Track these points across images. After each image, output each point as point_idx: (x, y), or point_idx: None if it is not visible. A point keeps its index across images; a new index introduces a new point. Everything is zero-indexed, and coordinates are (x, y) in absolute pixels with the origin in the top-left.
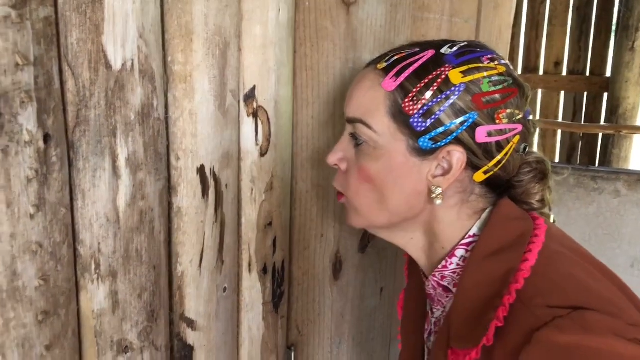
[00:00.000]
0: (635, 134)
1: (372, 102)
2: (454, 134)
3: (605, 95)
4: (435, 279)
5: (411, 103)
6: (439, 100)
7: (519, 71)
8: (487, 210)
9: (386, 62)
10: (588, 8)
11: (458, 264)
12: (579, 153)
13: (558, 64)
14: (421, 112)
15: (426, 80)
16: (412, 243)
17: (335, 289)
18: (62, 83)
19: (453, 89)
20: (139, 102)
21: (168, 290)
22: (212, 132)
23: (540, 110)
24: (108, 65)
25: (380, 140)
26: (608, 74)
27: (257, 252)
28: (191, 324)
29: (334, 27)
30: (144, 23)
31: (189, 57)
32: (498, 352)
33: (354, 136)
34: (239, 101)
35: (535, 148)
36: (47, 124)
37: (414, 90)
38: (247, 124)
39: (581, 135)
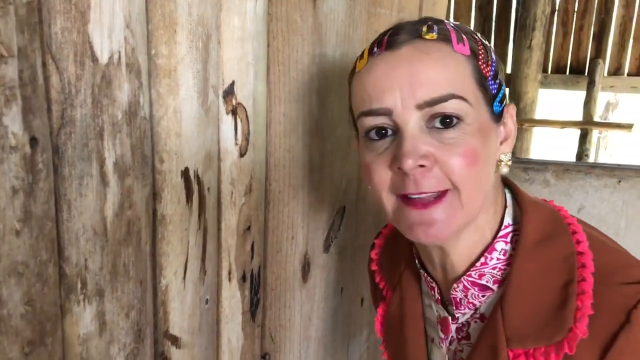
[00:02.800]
0: (534, 126)
1: (456, 71)
2: (505, 94)
3: (507, 90)
4: (471, 278)
5: (485, 65)
6: (495, 60)
7: None
8: (509, 197)
9: (433, 31)
10: (489, 8)
11: (499, 259)
12: None
13: None
14: (492, 73)
15: (480, 42)
16: (464, 243)
17: (304, 291)
18: (46, 78)
19: (492, 49)
20: (126, 99)
21: (152, 307)
22: (196, 132)
23: None
24: (94, 58)
25: (473, 113)
26: (509, 70)
27: (237, 259)
28: (175, 341)
29: (302, 21)
30: (130, 11)
31: (172, 49)
32: (584, 342)
33: (442, 120)
34: (218, 97)
35: None
36: (33, 126)
37: (480, 52)
38: (227, 122)
39: None
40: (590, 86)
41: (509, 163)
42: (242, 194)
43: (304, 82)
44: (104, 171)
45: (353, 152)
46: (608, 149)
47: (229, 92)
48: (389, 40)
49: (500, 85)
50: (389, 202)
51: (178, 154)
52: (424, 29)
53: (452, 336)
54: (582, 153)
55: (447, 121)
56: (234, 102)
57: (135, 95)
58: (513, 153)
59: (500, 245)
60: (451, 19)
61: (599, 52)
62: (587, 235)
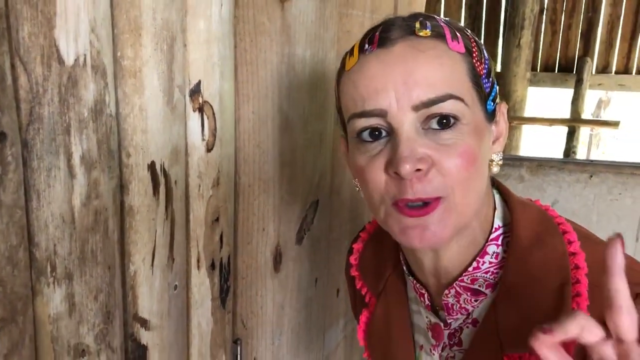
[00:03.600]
0: (523, 124)
1: (453, 70)
2: (497, 92)
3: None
4: (464, 283)
5: (479, 62)
6: (487, 57)
7: None
8: (497, 198)
9: (427, 27)
10: (478, 7)
11: (491, 262)
12: None
13: None
14: (485, 71)
15: (473, 39)
16: (456, 247)
17: (276, 281)
18: (14, 79)
19: (483, 46)
20: (92, 98)
21: (122, 291)
22: (162, 128)
23: None
24: (61, 61)
25: (469, 113)
26: (498, 68)
27: (205, 248)
28: (144, 323)
29: (270, 23)
30: (95, 17)
31: (138, 52)
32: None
33: (438, 120)
34: (185, 96)
35: None
36: (2, 122)
37: (474, 49)
38: (194, 119)
39: None
40: (578, 84)
41: (500, 162)
42: (210, 187)
43: (272, 81)
44: (71, 164)
45: (326, 147)
46: (600, 146)
47: (195, 91)
48: (381, 37)
49: (492, 83)
50: (381, 206)
51: (144, 148)
52: (417, 25)
53: (444, 342)
54: (569, 150)
55: (444, 122)
56: (200, 100)
57: (101, 95)
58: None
59: (491, 248)
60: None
61: (587, 50)
62: (578, 234)
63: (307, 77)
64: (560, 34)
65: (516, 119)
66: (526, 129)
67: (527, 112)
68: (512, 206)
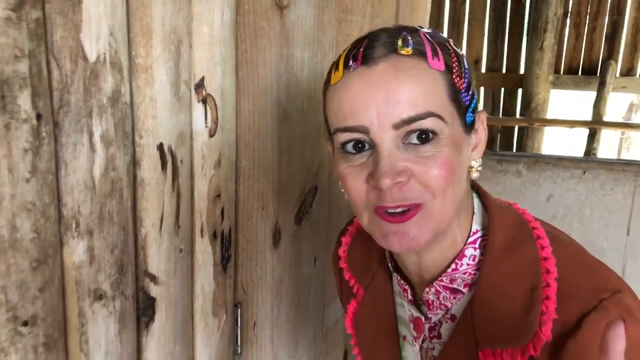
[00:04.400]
0: (545, 126)
1: (433, 88)
2: (477, 102)
3: (520, 90)
4: (443, 282)
5: (459, 78)
6: (467, 69)
7: None
8: (476, 202)
9: (409, 45)
10: (503, 10)
11: (468, 264)
12: (498, 144)
13: (477, 61)
14: (465, 85)
15: (454, 54)
16: (437, 249)
17: (275, 256)
18: (49, 72)
19: (464, 57)
20: (110, 89)
21: (134, 249)
22: (169, 115)
23: None
24: (85, 58)
25: (448, 128)
26: (522, 71)
27: (208, 219)
28: (153, 279)
29: (269, 27)
30: (113, 24)
31: (149, 51)
32: (545, 344)
33: (417, 135)
34: (190, 89)
35: None
36: (39, 106)
37: (454, 65)
38: (198, 109)
39: (499, 127)
40: (601, 87)
41: (479, 169)
42: (212, 167)
43: (271, 78)
44: (93, 141)
45: (323, 139)
46: (631, 150)
47: (200, 85)
48: (364, 55)
49: (472, 95)
50: (365, 212)
51: (154, 132)
52: (400, 42)
53: (424, 335)
54: (589, 152)
55: (424, 137)
56: (204, 93)
57: (118, 86)
58: (511, 151)
59: (469, 251)
60: (466, 23)
61: (611, 53)
62: (551, 239)
63: (305, 75)
64: (584, 37)
65: (538, 121)
66: (548, 131)
67: (550, 115)
68: (490, 211)
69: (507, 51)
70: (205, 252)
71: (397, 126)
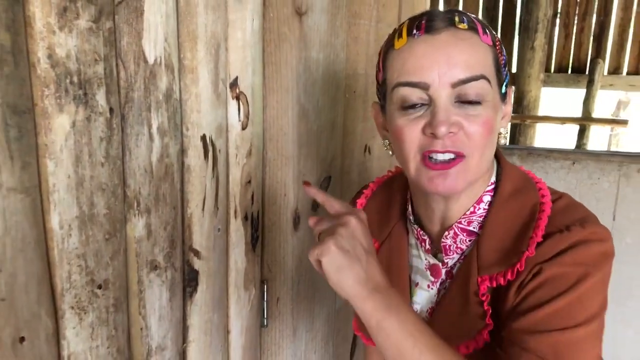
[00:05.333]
0: (537, 122)
1: (484, 57)
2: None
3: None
4: (461, 225)
5: (500, 54)
6: (504, 51)
7: None
8: (494, 160)
9: (464, 22)
10: (495, 11)
11: (484, 208)
12: None
13: None
14: (504, 62)
15: (496, 36)
16: (464, 196)
17: (295, 238)
18: (117, 73)
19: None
20: (165, 87)
21: (181, 227)
22: (210, 110)
23: None
24: (145, 61)
25: (492, 93)
26: (514, 69)
27: (240, 203)
28: (197, 254)
29: (290, 32)
30: (167, 31)
31: (194, 54)
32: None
33: (467, 96)
34: (226, 87)
35: None
36: (111, 101)
37: (497, 43)
38: (232, 105)
39: None
40: (590, 85)
41: (506, 135)
42: (244, 157)
43: (292, 78)
44: (151, 132)
45: (337, 133)
46: (620, 145)
47: (234, 84)
48: (427, 25)
49: (507, 72)
50: (414, 160)
51: (198, 124)
52: (456, 18)
53: (442, 279)
54: (580, 147)
55: (473, 98)
56: (237, 91)
57: (170, 85)
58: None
59: (486, 197)
60: None
61: (599, 52)
62: (551, 191)
63: (320, 75)
64: (573, 37)
65: (530, 118)
66: (539, 127)
67: (541, 112)
68: (503, 167)
69: None
70: (238, 232)
71: (454, 85)
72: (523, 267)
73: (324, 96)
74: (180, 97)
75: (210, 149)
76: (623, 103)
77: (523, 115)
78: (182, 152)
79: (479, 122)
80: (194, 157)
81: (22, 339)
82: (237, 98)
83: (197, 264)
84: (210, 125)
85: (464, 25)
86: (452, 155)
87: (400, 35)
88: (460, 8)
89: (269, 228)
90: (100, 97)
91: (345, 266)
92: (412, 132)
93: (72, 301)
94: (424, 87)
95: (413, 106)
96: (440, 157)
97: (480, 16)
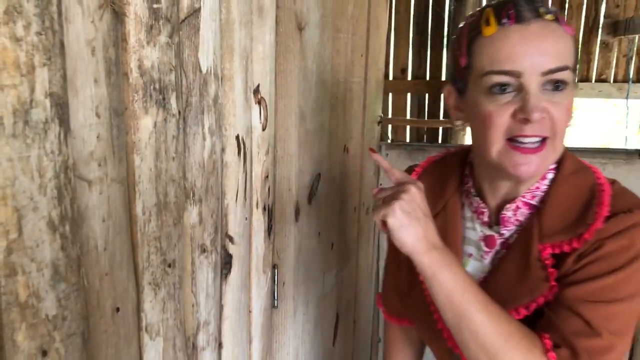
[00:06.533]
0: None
1: (568, 48)
2: None
3: (442, 95)
4: (525, 199)
5: (575, 43)
6: None
7: None
8: None
9: (549, 12)
10: (424, 24)
11: (547, 185)
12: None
13: (404, 70)
14: (577, 50)
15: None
16: (534, 177)
17: (296, 228)
18: (181, 81)
19: None
20: (213, 93)
21: (221, 215)
22: (242, 113)
23: (392, 110)
24: (200, 70)
25: (572, 81)
26: (444, 78)
27: (261, 196)
28: (231, 239)
29: (293, 45)
30: (214, 45)
31: (232, 65)
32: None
33: (553, 84)
34: (251, 94)
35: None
36: (179, 105)
37: (573, 32)
38: (255, 109)
39: (426, 129)
40: None
41: (573, 123)
42: (264, 154)
43: (293, 85)
44: (204, 132)
45: (325, 134)
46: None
47: (256, 91)
48: (516, 15)
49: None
50: (498, 143)
51: (234, 126)
52: (541, 9)
53: (496, 249)
54: None
55: (557, 85)
56: (259, 96)
57: (216, 91)
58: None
59: (549, 175)
60: (392, 35)
61: None
62: (607, 178)
63: (314, 83)
64: None
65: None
66: (468, 131)
67: None
68: (564, 151)
69: (430, 61)
70: (258, 221)
71: (544, 74)
72: (592, 236)
73: (316, 101)
74: (222, 102)
75: (242, 147)
76: None
77: (453, 120)
78: (223, 150)
79: (562, 108)
80: (231, 154)
81: (117, 309)
82: (259, 103)
83: (232, 248)
84: (242, 127)
85: (550, 17)
86: (538, 139)
87: (487, 23)
88: (393, 22)
89: (278, 219)
90: (173, 102)
91: (407, 225)
92: (501, 117)
93: (150, 278)
94: (517, 75)
95: (503, 92)
96: (527, 140)
97: (411, 28)
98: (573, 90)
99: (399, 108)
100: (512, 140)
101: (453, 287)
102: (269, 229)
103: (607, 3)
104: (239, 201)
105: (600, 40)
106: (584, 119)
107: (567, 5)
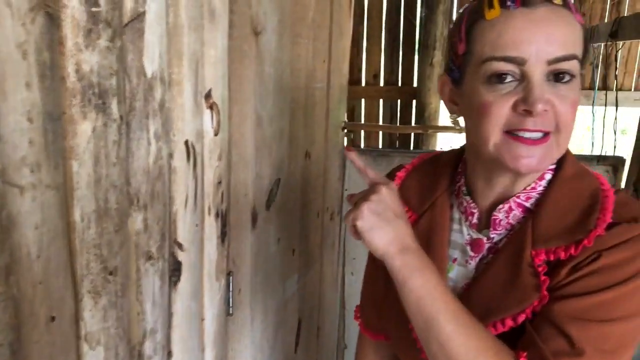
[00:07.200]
0: (438, 132)
1: (576, 37)
2: None
3: (414, 102)
4: (519, 199)
5: (586, 34)
6: None
7: None
8: None
9: None
10: (396, 30)
11: (544, 186)
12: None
13: (376, 76)
14: (588, 41)
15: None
16: (533, 174)
17: (253, 235)
18: (124, 86)
19: None
20: (159, 97)
21: (169, 222)
22: (192, 118)
23: (364, 116)
24: (145, 75)
25: (579, 73)
26: (415, 84)
27: (213, 202)
28: (180, 246)
29: (249, 49)
30: (160, 50)
31: (180, 69)
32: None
33: (558, 75)
34: (202, 98)
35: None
36: (121, 110)
37: (583, 21)
38: (207, 114)
39: (398, 135)
40: None
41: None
42: (216, 160)
43: (250, 90)
44: (149, 137)
45: (285, 139)
46: None
47: (208, 95)
48: None
49: (588, 50)
50: (496, 136)
51: (182, 131)
52: None
53: (483, 254)
54: None
55: (562, 76)
56: (211, 101)
57: (163, 96)
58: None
59: (548, 175)
60: (364, 41)
61: None
62: (612, 187)
63: (271, 88)
64: None
65: (431, 128)
66: (440, 136)
67: (441, 122)
68: (566, 152)
69: (401, 67)
70: (211, 228)
71: (550, 62)
72: (591, 243)
73: (274, 106)
74: (170, 106)
75: (192, 152)
76: None
77: (425, 126)
78: (170, 155)
79: (568, 102)
80: (179, 159)
81: (52, 318)
82: (211, 107)
83: (181, 255)
84: (191, 132)
85: (559, 1)
86: (540, 134)
87: (491, 6)
88: (365, 28)
89: (234, 225)
90: (114, 106)
91: (377, 227)
92: (500, 108)
93: (89, 286)
94: (520, 62)
95: (503, 81)
96: (528, 135)
97: (383, 34)
98: (579, 86)
99: (372, 114)
100: (512, 133)
101: (423, 293)
102: (223, 236)
103: None
104: (189, 207)
105: None
106: None
107: None
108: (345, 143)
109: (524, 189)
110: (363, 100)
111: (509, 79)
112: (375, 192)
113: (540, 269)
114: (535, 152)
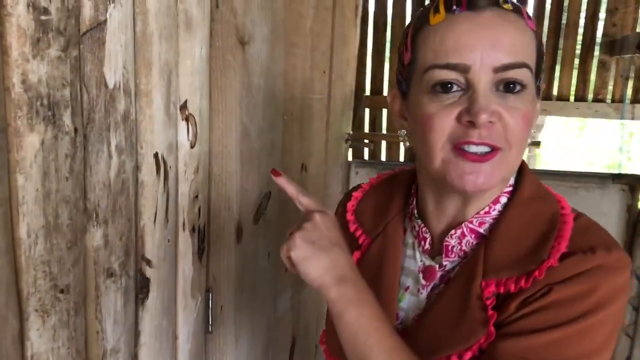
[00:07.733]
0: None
1: (528, 44)
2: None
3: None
4: (472, 225)
5: (539, 44)
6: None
7: (368, 93)
8: None
9: (508, 2)
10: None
11: (499, 211)
12: (384, 156)
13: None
14: (541, 50)
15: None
16: (487, 195)
17: (238, 250)
18: (81, 97)
19: None
20: (123, 109)
21: (135, 237)
22: (162, 130)
23: (387, 126)
24: (106, 86)
25: (531, 83)
26: (385, 93)
27: (188, 216)
28: (148, 262)
29: (234, 60)
30: (125, 59)
31: (149, 80)
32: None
33: (507, 84)
34: (177, 110)
35: (383, 157)
36: (76, 122)
37: (537, 29)
38: (182, 125)
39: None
40: None
41: (534, 135)
42: (192, 173)
43: (235, 101)
44: (110, 150)
45: (276, 152)
46: (538, 165)
47: (183, 107)
48: (468, 1)
49: (543, 62)
50: (441, 151)
51: (151, 143)
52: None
53: (435, 283)
54: None
55: (511, 87)
56: (186, 112)
57: (128, 107)
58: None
59: (503, 199)
60: (387, 51)
61: None
62: (571, 208)
63: (261, 99)
64: None
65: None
66: None
67: None
68: (524, 170)
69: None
70: (186, 243)
71: (496, 70)
72: (542, 275)
73: (264, 118)
74: (136, 118)
75: (162, 165)
76: (537, 126)
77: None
78: (137, 168)
79: (519, 114)
80: (147, 173)
81: None
82: (187, 119)
83: (149, 272)
84: (162, 144)
85: (509, 6)
86: (487, 149)
87: (437, 10)
88: (388, 37)
89: (214, 240)
90: (67, 118)
91: (311, 256)
92: (444, 120)
93: (37, 304)
94: (464, 69)
95: (447, 91)
96: (474, 149)
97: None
98: (534, 98)
99: (393, 123)
100: (458, 148)
101: (357, 328)
102: (201, 251)
103: (604, 21)
104: (159, 222)
105: (598, 60)
106: (589, 139)
107: (563, 23)
108: (366, 155)
109: (477, 213)
110: (384, 111)
111: (454, 88)
112: (309, 220)
113: (488, 302)
114: (481, 168)
